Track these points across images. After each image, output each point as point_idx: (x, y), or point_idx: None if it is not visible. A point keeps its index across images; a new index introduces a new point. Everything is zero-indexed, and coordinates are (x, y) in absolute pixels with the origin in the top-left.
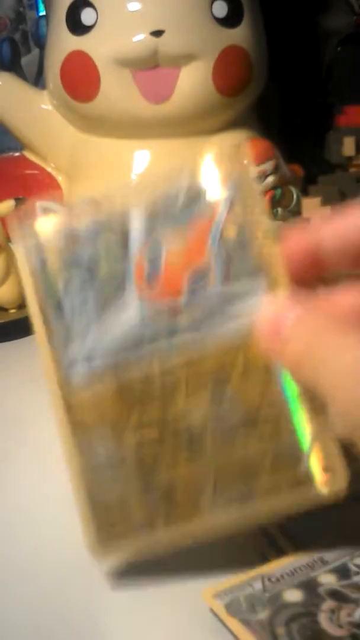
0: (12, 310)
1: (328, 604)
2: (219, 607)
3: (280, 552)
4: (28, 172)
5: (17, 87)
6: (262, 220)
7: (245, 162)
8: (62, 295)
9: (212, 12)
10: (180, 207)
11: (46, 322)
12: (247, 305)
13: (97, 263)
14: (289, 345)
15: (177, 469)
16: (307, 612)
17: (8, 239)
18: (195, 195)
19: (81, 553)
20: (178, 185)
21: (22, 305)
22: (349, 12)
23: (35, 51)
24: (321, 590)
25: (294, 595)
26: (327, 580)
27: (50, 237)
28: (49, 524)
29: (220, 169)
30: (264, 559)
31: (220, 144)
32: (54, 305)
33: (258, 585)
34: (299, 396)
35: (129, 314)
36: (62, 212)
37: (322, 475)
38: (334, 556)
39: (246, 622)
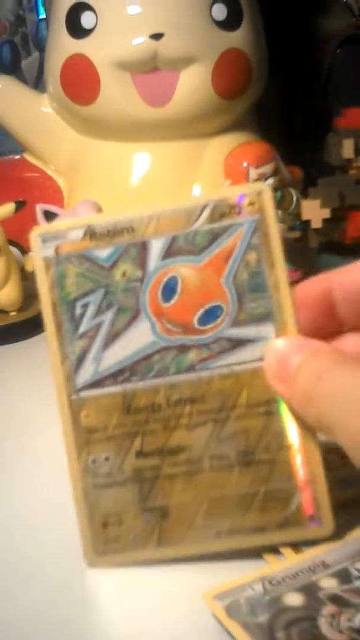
0: (13, 313)
1: (328, 608)
2: (219, 609)
3: (279, 556)
4: (28, 174)
5: (17, 90)
6: (277, 265)
7: (268, 207)
8: (77, 318)
9: (211, 15)
10: (199, 244)
11: (60, 340)
12: (256, 349)
13: (114, 291)
14: (297, 380)
15: (172, 496)
16: (307, 617)
17: (8, 242)
18: (215, 233)
19: (80, 557)
20: (199, 220)
21: (22, 308)
22: (349, 14)
23: (35, 54)
24: (322, 594)
25: (294, 599)
26: (328, 584)
27: (72, 259)
28: (50, 530)
29: (242, 209)
30: (264, 561)
31: (245, 186)
32: (69, 325)
33: (259, 588)
34: (297, 438)
35: (141, 343)
36: (85, 234)
37: (309, 521)
38: (336, 560)
39: (246, 626)
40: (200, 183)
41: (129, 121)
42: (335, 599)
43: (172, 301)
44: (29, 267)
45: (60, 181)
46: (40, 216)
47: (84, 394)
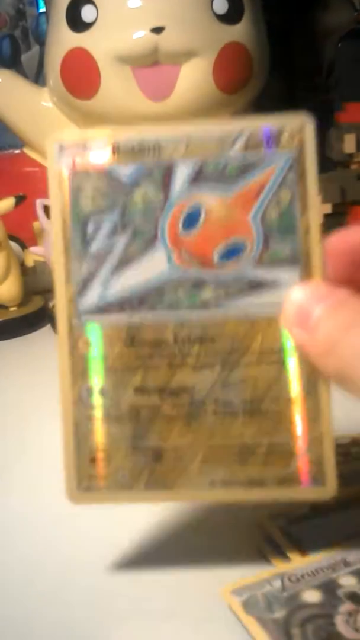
0: (13, 308)
1: (346, 606)
2: (237, 603)
3: (285, 558)
4: (28, 169)
5: (17, 84)
6: (311, 208)
7: (308, 143)
8: (89, 237)
9: (212, 9)
10: (230, 174)
11: (67, 258)
12: (277, 294)
13: (132, 212)
14: (320, 329)
15: (169, 438)
16: (324, 614)
17: (8, 237)
18: (247, 165)
19: (90, 552)
20: (232, 149)
21: (22, 303)
22: (350, 9)
23: (36, 48)
24: (340, 592)
25: (312, 596)
26: (348, 582)
27: (91, 173)
28: (54, 526)
29: (279, 142)
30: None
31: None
32: (79, 243)
33: (277, 584)
34: (308, 392)
35: (154, 272)
36: (107, 148)
37: (311, 480)
38: (357, 559)
39: (262, 621)
40: None
41: (129, 115)
42: (354, 597)
43: (194, 232)
44: (29, 262)
45: None
46: (40, 211)
47: (87, 318)
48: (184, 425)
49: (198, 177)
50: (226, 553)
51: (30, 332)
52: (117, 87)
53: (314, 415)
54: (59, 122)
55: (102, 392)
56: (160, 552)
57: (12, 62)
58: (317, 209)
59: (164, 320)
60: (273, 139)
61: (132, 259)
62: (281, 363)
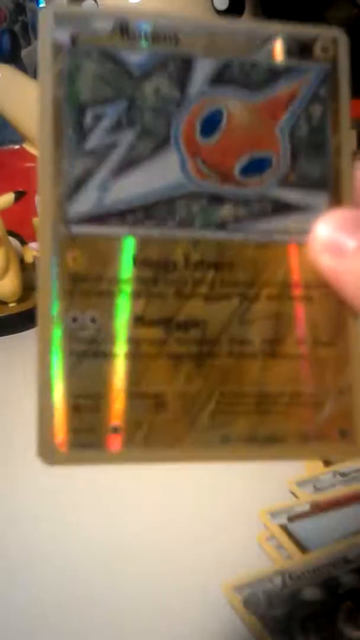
0: (12, 304)
1: (347, 604)
2: (237, 601)
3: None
4: (28, 165)
5: (16, 79)
6: (343, 128)
7: (342, 58)
8: (86, 129)
9: (213, 5)
10: (257, 79)
11: (57, 151)
12: (304, 219)
13: (140, 107)
14: (357, 257)
15: (173, 382)
16: (324, 611)
17: (8, 233)
18: (277, 71)
19: (94, 542)
20: (260, 52)
21: (21, 299)
22: (350, 5)
23: (35, 43)
24: (341, 590)
25: (313, 594)
26: (348, 580)
27: (93, 54)
28: (47, 520)
29: (313, 53)
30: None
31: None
32: (72, 135)
33: (278, 581)
34: (338, 335)
35: (164, 180)
36: (115, 28)
37: (338, 435)
38: (358, 556)
39: (262, 619)
40: None
41: None
42: (355, 595)
43: (213, 138)
44: (28, 258)
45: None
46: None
47: (78, 229)
48: (193, 367)
49: (221, 77)
50: (227, 549)
51: (30, 327)
52: None
53: (343, 360)
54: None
55: (93, 321)
56: (160, 546)
57: (12, 57)
58: (349, 130)
59: (174, 239)
60: (306, 48)
61: (138, 162)
62: (308, 299)
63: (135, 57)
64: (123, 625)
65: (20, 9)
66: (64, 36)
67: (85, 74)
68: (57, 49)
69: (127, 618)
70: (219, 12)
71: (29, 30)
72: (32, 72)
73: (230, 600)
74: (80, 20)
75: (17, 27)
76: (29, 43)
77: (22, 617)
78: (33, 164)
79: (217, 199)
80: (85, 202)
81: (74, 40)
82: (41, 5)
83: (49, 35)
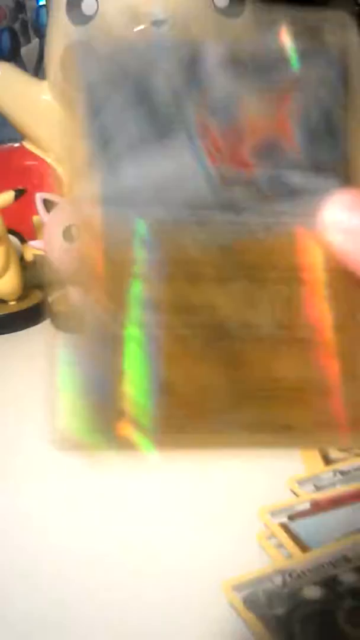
0: (12, 303)
1: (347, 602)
2: (237, 600)
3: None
4: (28, 163)
5: (16, 78)
6: (355, 113)
7: (351, 41)
8: (97, 106)
9: (213, 2)
10: (267, 64)
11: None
12: (315, 203)
13: (150, 88)
14: None
15: (184, 368)
16: (325, 610)
17: (8, 231)
18: (286, 56)
19: (91, 542)
20: (269, 37)
21: (21, 297)
22: (351, 3)
23: (35, 41)
24: (342, 588)
25: (313, 593)
26: (349, 578)
27: (97, 36)
28: (50, 518)
29: (321, 40)
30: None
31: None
32: (85, 112)
33: (278, 580)
34: (351, 319)
35: (175, 162)
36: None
37: (351, 424)
38: (358, 554)
39: (263, 618)
40: None
41: None
42: (355, 594)
43: (225, 123)
44: (28, 256)
45: (60, 169)
46: (39, 205)
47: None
48: (202, 351)
49: (232, 62)
50: (227, 548)
51: (30, 326)
52: None
53: (356, 344)
54: (59, 116)
55: (108, 303)
56: (159, 545)
57: (12, 55)
58: (359, 114)
59: (183, 221)
60: (315, 33)
61: (148, 143)
62: (320, 283)
63: (147, 41)
64: (122, 625)
65: (20, 7)
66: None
67: (98, 55)
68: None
69: (126, 618)
70: (219, 9)
71: (28, 28)
72: (31, 70)
73: (230, 600)
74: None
75: (17, 25)
76: (29, 41)
77: (20, 617)
78: (33, 162)
79: (229, 182)
80: (93, 183)
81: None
82: (41, 3)
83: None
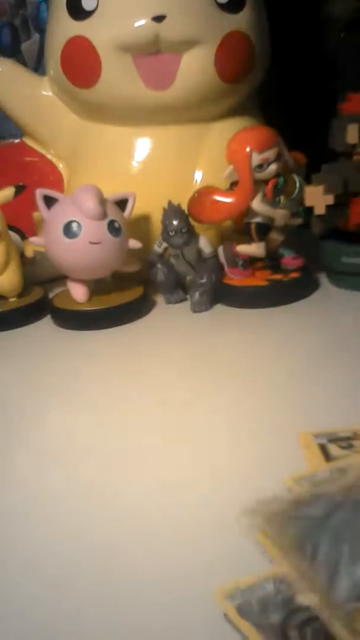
0: (13, 299)
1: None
2: (231, 609)
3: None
4: (28, 159)
5: (17, 74)
6: None
7: None
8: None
9: None
10: None
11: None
12: None
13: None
14: None
15: None
16: (320, 616)
17: (8, 227)
18: None
19: (84, 546)
20: None
21: (22, 293)
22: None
23: (36, 36)
24: None
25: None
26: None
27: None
28: (49, 517)
29: None
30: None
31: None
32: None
33: (271, 587)
34: None
35: None
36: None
37: None
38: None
39: (258, 626)
40: (202, 168)
41: (130, 104)
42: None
43: None
44: (28, 253)
45: (61, 166)
46: (40, 201)
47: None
48: None
49: None
50: (220, 555)
51: (30, 322)
52: (118, 76)
53: None
54: (59, 112)
55: None
56: (153, 551)
57: (12, 51)
58: None
59: None
60: None
61: None
62: None
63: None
64: (114, 636)
65: (20, 3)
66: None
67: None
68: None
69: (119, 628)
70: (220, 5)
71: (29, 24)
72: (32, 65)
73: (224, 609)
74: None
75: (17, 21)
76: (29, 37)
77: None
78: (33, 158)
79: None
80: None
81: None
82: None
83: None
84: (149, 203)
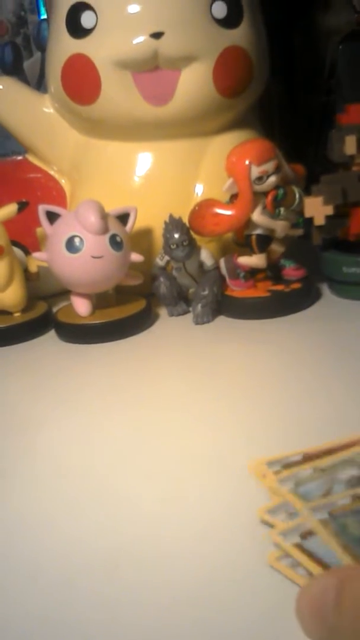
0: (17, 314)
1: None
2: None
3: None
4: (31, 175)
5: (19, 91)
6: None
7: None
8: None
9: (211, 13)
10: None
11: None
12: None
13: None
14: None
15: None
16: None
17: (11, 243)
18: None
19: (85, 548)
20: None
21: (26, 309)
22: (350, 10)
23: (37, 55)
24: None
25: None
26: None
27: None
28: (51, 527)
29: None
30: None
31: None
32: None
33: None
34: None
35: None
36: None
37: None
38: None
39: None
40: (203, 181)
41: (130, 120)
42: None
43: None
44: (32, 268)
45: (63, 182)
46: (42, 217)
47: None
48: None
49: None
50: (220, 563)
51: (34, 337)
52: (117, 92)
53: None
54: (61, 129)
55: None
56: (159, 552)
57: (14, 69)
58: None
59: None
60: None
61: None
62: None
63: None
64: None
65: (22, 22)
66: None
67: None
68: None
69: (125, 629)
70: (217, 20)
71: (30, 42)
72: (34, 83)
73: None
74: None
75: (19, 39)
76: (31, 55)
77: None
78: (36, 175)
79: None
80: None
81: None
82: (42, 17)
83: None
84: (150, 217)
